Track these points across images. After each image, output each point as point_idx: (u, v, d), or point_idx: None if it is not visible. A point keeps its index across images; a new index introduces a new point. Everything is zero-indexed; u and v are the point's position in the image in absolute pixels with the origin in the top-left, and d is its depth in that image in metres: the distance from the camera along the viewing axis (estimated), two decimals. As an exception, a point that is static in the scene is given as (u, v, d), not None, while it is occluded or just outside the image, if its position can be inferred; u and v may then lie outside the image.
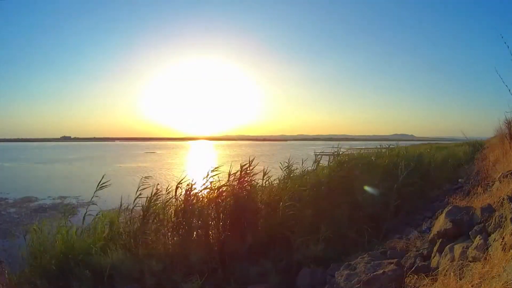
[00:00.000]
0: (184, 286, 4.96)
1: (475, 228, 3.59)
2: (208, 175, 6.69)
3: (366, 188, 7.42)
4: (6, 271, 5.43)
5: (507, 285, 2.19)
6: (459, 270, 2.83)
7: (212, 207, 6.43)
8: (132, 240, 5.83)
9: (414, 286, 3.29)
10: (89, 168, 32.44)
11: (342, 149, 8.91)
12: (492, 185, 5.74)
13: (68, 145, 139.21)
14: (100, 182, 6.27)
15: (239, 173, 6.85)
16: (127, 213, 6.25)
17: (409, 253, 4.43)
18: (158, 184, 6.56)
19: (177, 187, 6.52)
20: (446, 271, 2.99)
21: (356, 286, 3.79)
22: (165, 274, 5.15)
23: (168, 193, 6.49)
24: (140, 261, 5.21)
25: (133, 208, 6.27)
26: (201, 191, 6.57)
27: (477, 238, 3.33)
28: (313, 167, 7.91)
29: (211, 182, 6.67)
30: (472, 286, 2.45)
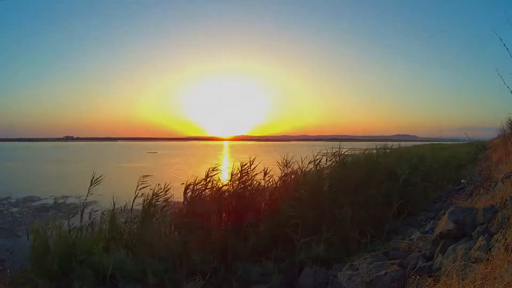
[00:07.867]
0: (186, 286, 4.97)
1: (478, 229, 3.58)
2: (209, 174, 6.69)
3: None
4: (9, 270, 5.47)
5: (510, 286, 2.19)
6: (462, 270, 2.82)
7: (214, 207, 6.43)
8: (134, 240, 5.84)
9: (417, 287, 3.29)
10: (90, 167, 32.49)
11: (344, 150, 8.89)
12: (495, 185, 5.72)
13: (71, 145, 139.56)
14: (93, 178, 6.27)
15: (242, 172, 6.86)
16: (129, 213, 6.26)
17: (411, 254, 4.42)
18: (159, 184, 6.56)
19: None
20: (449, 271, 2.98)
21: (359, 286, 3.79)
22: (168, 274, 5.15)
23: (170, 192, 6.49)
24: (142, 261, 5.22)
25: (135, 207, 6.28)
26: (203, 190, 6.57)
27: (480, 239, 3.32)
28: (315, 167, 7.89)
29: (214, 182, 6.68)
30: (474, 286, 2.44)
